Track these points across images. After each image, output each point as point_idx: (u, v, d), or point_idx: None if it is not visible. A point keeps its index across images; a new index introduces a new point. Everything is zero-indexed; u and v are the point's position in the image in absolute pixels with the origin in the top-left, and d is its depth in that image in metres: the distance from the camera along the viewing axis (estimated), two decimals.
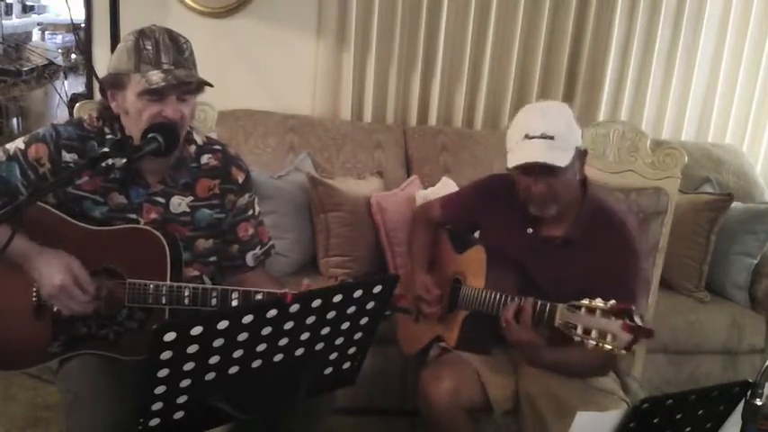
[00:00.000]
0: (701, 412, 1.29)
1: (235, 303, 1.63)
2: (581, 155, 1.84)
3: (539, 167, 1.76)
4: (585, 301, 1.59)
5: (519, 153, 1.79)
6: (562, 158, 1.76)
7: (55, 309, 1.60)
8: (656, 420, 1.24)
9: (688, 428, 1.31)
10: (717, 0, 3.39)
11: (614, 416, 1.23)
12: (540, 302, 1.72)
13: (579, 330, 1.58)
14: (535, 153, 1.75)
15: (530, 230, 1.93)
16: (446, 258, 2.16)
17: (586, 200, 1.89)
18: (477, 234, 2.19)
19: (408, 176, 2.98)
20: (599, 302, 1.56)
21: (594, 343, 1.54)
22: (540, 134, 1.75)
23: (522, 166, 1.78)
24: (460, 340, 1.96)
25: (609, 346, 1.51)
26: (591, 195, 1.90)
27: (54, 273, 1.55)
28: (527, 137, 1.77)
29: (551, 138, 1.75)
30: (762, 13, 3.46)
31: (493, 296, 1.85)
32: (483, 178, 2.14)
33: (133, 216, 1.70)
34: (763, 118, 3.62)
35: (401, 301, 1.61)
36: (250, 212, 1.85)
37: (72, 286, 1.56)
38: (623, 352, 1.52)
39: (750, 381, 1.25)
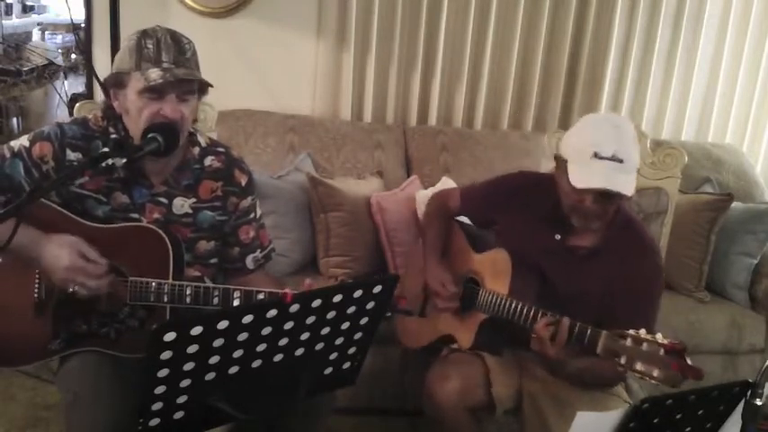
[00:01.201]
0: (701, 412, 1.29)
1: (237, 303, 1.63)
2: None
3: (605, 192, 1.71)
4: (632, 332, 1.54)
5: (588, 174, 1.70)
6: (629, 185, 1.70)
7: (71, 289, 1.58)
8: (656, 420, 1.24)
9: (688, 428, 1.31)
10: (717, 0, 3.39)
11: (614, 416, 1.23)
12: (579, 325, 1.66)
13: (623, 360, 1.54)
14: (606, 178, 1.68)
15: (557, 237, 1.88)
16: (461, 254, 2.10)
17: (619, 214, 1.85)
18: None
19: (408, 176, 2.98)
20: (644, 334, 1.52)
21: (640, 375, 1.50)
22: (610, 156, 1.68)
23: (592, 190, 1.71)
24: (476, 343, 1.93)
25: (656, 381, 1.48)
26: (623, 209, 1.87)
27: (61, 254, 1.55)
28: (596, 156, 1.69)
29: (621, 161, 1.68)
30: (762, 13, 3.46)
31: (520, 307, 1.79)
32: (510, 174, 2.08)
33: (135, 216, 1.70)
34: (763, 118, 3.62)
35: (402, 303, 1.60)
36: (252, 215, 1.85)
37: (81, 262, 1.56)
38: (668, 387, 1.47)
39: (750, 381, 1.25)
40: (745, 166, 3.39)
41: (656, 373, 1.48)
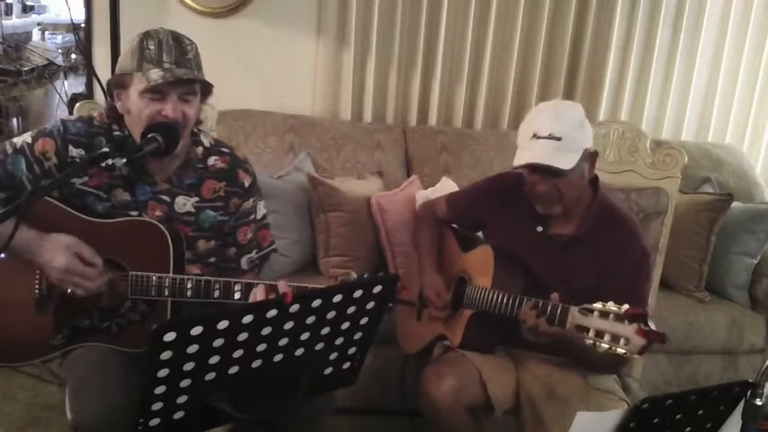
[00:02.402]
0: (700, 412, 1.29)
1: (237, 296, 1.64)
2: (590, 156, 1.84)
3: (543, 168, 1.77)
4: (598, 305, 1.58)
5: (525, 152, 1.79)
6: (567, 161, 1.75)
7: (69, 291, 1.60)
8: (656, 420, 1.24)
9: (688, 428, 1.31)
10: (717, 0, 3.39)
11: (614, 416, 1.24)
12: (551, 304, 1.70)
13: (591, 333, 1.57)
14: (540, 154, 1.76)
15: (539, 228, 1.92)
16: (451, 257, 2.15)
17: (596, 200, 1.89)
18: (480, 233, 2.18)
19: (408, 176, 2.98)
20: (612, 306, 1.55)
21: (607, 346, 1.53)
22: (547, 134, 1.75)
23: (526, 166, 1.79)
24: (465, 340, 1.96)
25: (622, 350, 1.50)
26: (601, 195, 1.90)
27: (57, 256, 1.56)
28: (535, 136, 1.77)
29: (558, 139, 1.75)
30: (762, 13, 3.46)
31: (499, 296, 1.84)
32: (491, 176, 2.13)
33: (134, 213, 1.70)
34: (763, 118, 3.62)
35: (404, 294, 1.60)
36: (252, 217, 1.85)
37: (77, 264, 1.57)
38: (636, 356, 1.51)
39: (750, 381, 1.26)
40: (745, 166, 3.39)
41: (622, 341, 1.51)
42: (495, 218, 2.04)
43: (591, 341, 1.57)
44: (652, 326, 1.49)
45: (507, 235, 1.97)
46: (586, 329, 1.58)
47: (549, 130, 1.76)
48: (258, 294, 1.60)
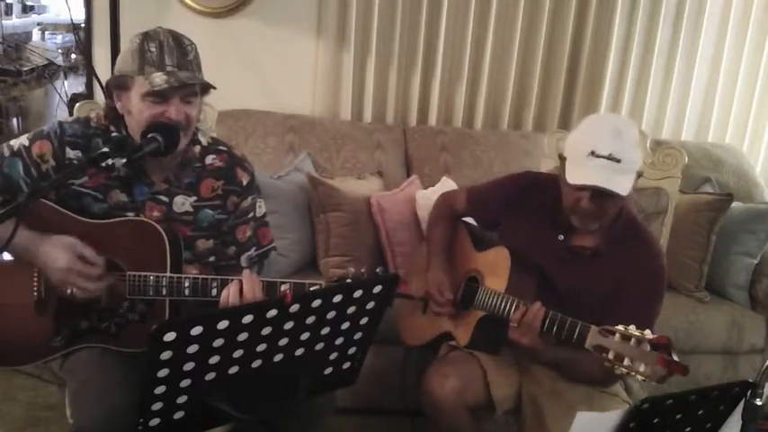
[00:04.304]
0: (700, 412, 1.29)
1: None
2: (637, 177, 1.79)
3: (599, 189, 1.71)
4: (620, 328, 1.55)
5: (583, 171, 1.72)
6: (625, 185, 1.70)
7: (69, 292, 1.60)
8: (656, 420, 1.25)
9: (688, 428, 1.31)
10: (717, 0, 3.39)
11: (614, 416, 1.24)
12: (570, 320, 1.68)
13: (611, 356, 1.54)
14: (600, 176, 1.69)
15: (561, 237, 1.88)
16: (463, 253, 2.11)
17: (622, 214, 1.85)
18: (495, 232, 2.15)
19: (408, 176, 2.98)
20: (634, 330, 1.53)
21: (626, 371, 1.51)
22: (607, 155, 1.68)
23: (584, 186, 1.73)
24: (473, 340, 1.93)
25: (642, 377, 1.48)
26: (626, 210, 1.86)
27: (58, 256, 1.56)
28: (593, 154, 1.69)
29: (618, 161, 1.68)
30: (762, 13, 3.46)
31: (516, 304, 1.80)
32: (515, 175, 2.08)
33: (131, 215, 1.70)
34: (763, 118, 3.62)
35: (403, 287, 1.60)
36: (251, 215, 1.84)
37: (78, 264, 1.57)
38: (654, 383, 1.49)
39: (750, 381, 1.26)
40: (745, 166, 3.39)
41: (642, 368, 1.48)
42: (515, 218, 1.99)
43: (609, 364, 1.54)
44: (675, 356, 1.46)
45: (524, 238, 1.93)
46: (606, 350, 1.55)
47: (610, 150, 1.68)
48: (231, 289, 1.59)
